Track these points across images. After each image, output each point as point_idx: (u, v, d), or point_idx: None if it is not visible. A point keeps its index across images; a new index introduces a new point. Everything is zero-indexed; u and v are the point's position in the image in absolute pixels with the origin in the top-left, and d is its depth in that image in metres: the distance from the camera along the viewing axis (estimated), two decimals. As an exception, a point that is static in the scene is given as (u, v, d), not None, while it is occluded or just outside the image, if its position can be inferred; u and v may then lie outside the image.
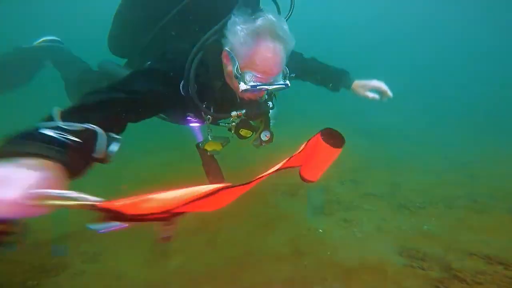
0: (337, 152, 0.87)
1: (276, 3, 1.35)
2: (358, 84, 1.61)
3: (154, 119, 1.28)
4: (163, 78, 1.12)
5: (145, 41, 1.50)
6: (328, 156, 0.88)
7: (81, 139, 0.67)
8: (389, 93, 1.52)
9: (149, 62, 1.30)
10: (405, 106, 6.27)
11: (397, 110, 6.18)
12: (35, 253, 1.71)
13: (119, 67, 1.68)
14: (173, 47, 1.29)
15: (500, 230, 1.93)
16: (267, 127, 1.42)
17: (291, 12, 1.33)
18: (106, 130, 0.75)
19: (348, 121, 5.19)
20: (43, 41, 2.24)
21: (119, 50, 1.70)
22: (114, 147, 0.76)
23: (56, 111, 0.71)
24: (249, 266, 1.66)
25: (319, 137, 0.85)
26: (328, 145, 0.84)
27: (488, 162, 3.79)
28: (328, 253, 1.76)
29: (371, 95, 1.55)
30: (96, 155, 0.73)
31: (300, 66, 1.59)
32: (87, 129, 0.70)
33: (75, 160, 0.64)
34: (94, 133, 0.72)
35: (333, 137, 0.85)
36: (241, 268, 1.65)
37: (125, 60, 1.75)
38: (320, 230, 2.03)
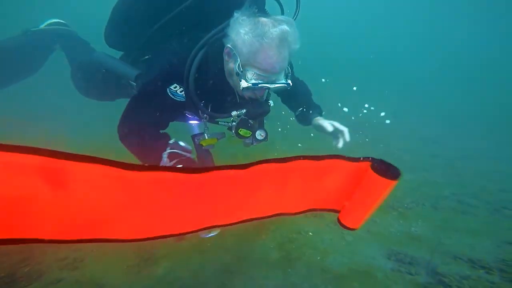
0: (392, 186, 0.72)
1: (280, 4, 1.32)
2: (324, 121, 1.44)
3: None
4: (169, 89, 1.25)
5: (145, 35, 1.46)
6: (380, 193, 0.73)
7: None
8: (347, 138, 1.38)
9: (154, 72, 1.33)
10: (393, 101, 6.35)
11: (387, 104, 6.26)
12: (5, 261, 1.60)
13: (115, 60, 1.63)
14: (175, 47, 1.31)
15: (483, 232, 1.99)
16: (261, 125, 1.43)
17: (298, 13, 1.30)
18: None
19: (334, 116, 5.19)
20: (50, 23, 2.20)
21: (117, 43, 1.65)
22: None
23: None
24: (239, 273, 1.63)
25: (368, 169, 0.71)
26: (382, 178, 0.70)
27: (473, 160, 3.92)
28: (318, 258, 1.76)
29: (330, 128, 1.38)
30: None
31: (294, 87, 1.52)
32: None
33: None
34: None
35: (387, 168, 0.71)
36: (231, 275, 1.61)
37: (121, 53, 1.71)
38: (310, 233, 2.03)
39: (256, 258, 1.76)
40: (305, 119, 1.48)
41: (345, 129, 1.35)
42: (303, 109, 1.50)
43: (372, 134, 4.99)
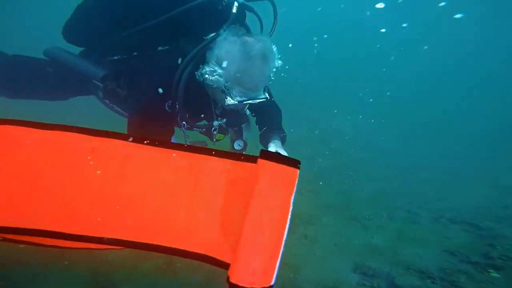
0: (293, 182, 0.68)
1: (260, 20, 1.38)
2: (273, 148, 1.44)
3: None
4: (160, 109, 1.30)
5: (116, 36, 1.40)
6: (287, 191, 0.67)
7: None
8: None
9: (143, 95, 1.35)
10: (358, 113, 6.90)
11: (348, 117, 6.77)
12: None
13: (72, 55, 1.51)
14: (160, 57, 1.35)
15: (427, 241, 2.29)
16: (240, 136, 1.49)
17: (274, 29, 1.41)
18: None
19: (303, 128, 5.44)
20: None
21: (78, 39, 1.54)
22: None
23: None
24: (214, 296, 1.61)
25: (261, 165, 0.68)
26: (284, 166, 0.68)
27: (420, 169, 4.47)
28: (291, 275, 1.83)
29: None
30: None
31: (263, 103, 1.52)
32: None
33: None
34: None
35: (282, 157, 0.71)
36: (205, 300, 1.58)
37: (81, 48, 1.59)
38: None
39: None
40: (264, 139, 1.52)
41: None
42: (265, 130, 1.55)
43: (334, 145, 5.36)
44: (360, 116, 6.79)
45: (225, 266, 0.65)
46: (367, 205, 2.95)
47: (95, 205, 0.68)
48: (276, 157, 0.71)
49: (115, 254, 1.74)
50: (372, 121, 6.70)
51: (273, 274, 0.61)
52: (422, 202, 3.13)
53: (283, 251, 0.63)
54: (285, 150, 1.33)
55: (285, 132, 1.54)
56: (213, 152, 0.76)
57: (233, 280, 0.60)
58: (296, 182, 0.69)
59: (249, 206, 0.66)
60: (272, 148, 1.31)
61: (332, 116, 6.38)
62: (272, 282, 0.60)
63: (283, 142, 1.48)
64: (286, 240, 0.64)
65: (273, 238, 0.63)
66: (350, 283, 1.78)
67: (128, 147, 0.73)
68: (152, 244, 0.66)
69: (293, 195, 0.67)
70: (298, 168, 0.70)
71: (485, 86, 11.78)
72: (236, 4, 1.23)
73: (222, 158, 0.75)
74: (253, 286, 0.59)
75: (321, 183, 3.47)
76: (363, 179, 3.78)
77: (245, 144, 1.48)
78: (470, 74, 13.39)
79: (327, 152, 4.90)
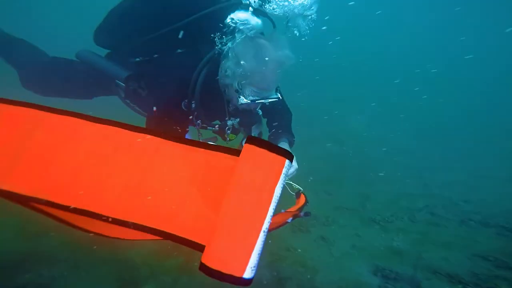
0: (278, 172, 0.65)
1: (273, 24, 1.39)
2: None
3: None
4: (176, 108, 1.35)
5: (143, 39, 1.48)
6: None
7: None
8: (290, 172, 1.42)
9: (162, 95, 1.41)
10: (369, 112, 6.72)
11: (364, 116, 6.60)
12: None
13: (99, 57, 1.63)
14: (179, 59, 1.41)
15: (455, 244, 2.15)
16: (249, 135, 1.50)
17: (286, 29, 1.40)
18: None
19: (317, 127, 5.36)
20: None
21: (106, 43, 1.64)
22: None
23: None
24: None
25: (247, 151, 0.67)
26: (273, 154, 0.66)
27: (439, 170, 4.26)
28: (309, 276, 1.76)
29: None
30: None
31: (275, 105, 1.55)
32: None
33: None
34: None
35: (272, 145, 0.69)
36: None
37: (107, 51, 1.70)
38: (299, 250, 2.02)
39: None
40: (273, 141, 1.58)
41: (292, 167, 1.42)
42: (274, 131, 1.59)
43: (347, 145, 5.22)
44: (374, 114, 6.61)
45: (202, 248, 0.65)
46: (385, 206, 2.83)
47: (120, 190, 0.75)
48: (263, 144, 0.68)
49: (137, 252, 1.77)
50: (387, 120, 6.50)
51: (245, 264, 0.58)
52: (445, 204, 2.96)
53: (266, 243, 0.62)
54: (295, 150, 1.34)
55: (294, 135, 1.59)
56: (212, 147, 0.78)
57: (203, 259, 0.61)
58: (284, 172, 0.66)
59: (229, 189, 0.65)
60: None
61: (347, 115, 6.23)
62: (246, 275, 0.58)
63: (291, 144, 1.53)
64: (268, 233, 0.62)
65: (248, 226, 0.62)
66: (371, 285, 1.68)
67: (158, 142, 0.79)
68: (145, 226, 0.70)
69: (279, 185, 0.65)
70: (287, 158, 0.67)
71: (506, 84, 11.22)
72: (251, 9, 1.29)
73: (223, 153, 0.76)
74: (221, 270, 0.58)
75: (335, 183, 3.37)
76: (379, 179, 3.64)
77: None
78: (490, 71, 12.84)
79: (341, 152, 4.77)
